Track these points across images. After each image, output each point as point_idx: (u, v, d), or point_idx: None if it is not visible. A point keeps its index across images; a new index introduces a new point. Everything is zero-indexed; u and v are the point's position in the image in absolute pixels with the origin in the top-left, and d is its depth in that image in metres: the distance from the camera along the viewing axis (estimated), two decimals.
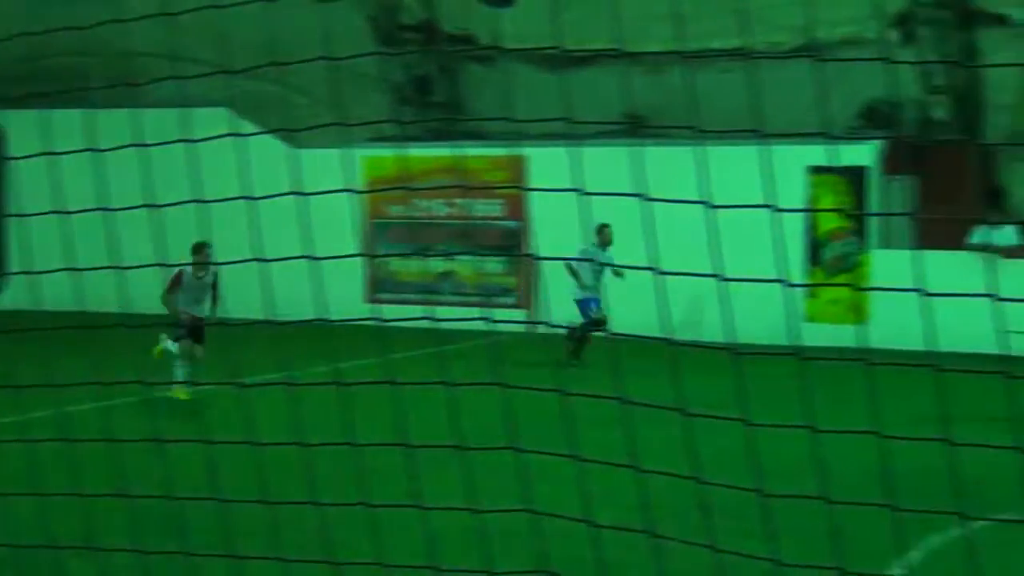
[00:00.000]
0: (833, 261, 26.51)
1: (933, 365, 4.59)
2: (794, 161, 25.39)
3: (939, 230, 25.77)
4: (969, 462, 7.03)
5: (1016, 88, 27.20)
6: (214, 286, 19.45)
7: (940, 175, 26.34)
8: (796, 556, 6.17)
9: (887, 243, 26.22)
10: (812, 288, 26.17)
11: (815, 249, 26.75)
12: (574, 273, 23.27)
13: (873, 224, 26.44)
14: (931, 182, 26.63)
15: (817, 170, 26.23)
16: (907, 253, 24.79)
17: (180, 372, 19.28)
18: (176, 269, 19.17)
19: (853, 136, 26.68)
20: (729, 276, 5.28)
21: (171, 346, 19.50)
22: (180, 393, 19.10)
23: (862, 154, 26.46)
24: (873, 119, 28.19)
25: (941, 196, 26.22)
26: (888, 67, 26.76)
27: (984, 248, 24.37)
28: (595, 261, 22.76)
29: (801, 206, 25.41)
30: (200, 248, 19.27)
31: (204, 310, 19.46)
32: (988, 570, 9.57)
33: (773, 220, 5.09)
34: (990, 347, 18.90)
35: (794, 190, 25.59)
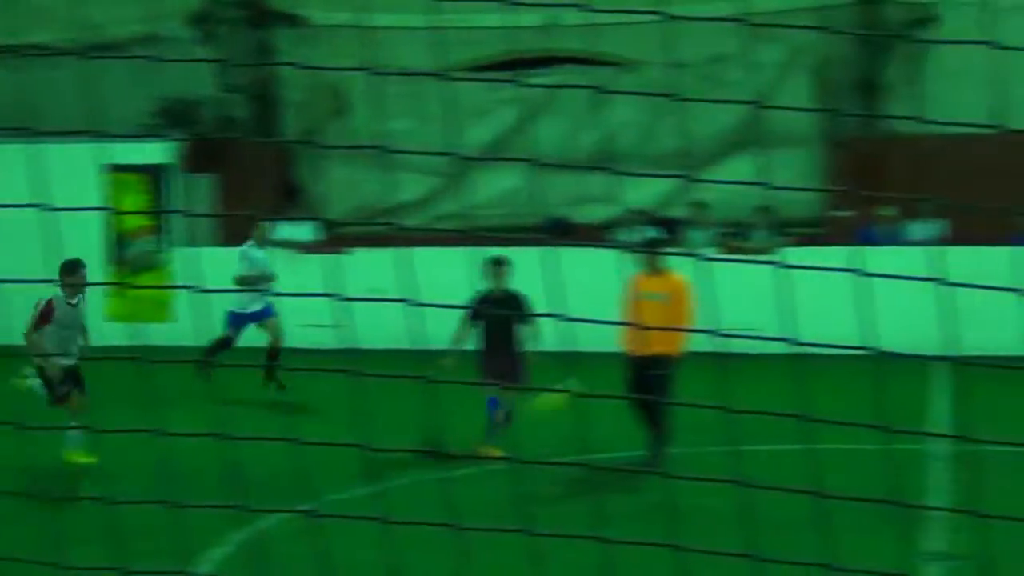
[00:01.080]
0: (135, 259, 26.30)
1: (198, 360, 4.62)
2: (90, 159, 24.91)
3: (242, 227, 26.15)
4: (251, 459, 7.16)
5: (306, 86, 28.04)
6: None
7: (241, 172, 26.74)
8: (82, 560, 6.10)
9: (191, 240, 26.31)
10: (116, 287, 25.85)
11: (118, 248, 26.44)
12: (241, 280, 20.03)
13: (176, 222, 26.45)
14: (232, 179, 26.98)
15: (114, 168, 25.88)
16: (210, 250, 25.02)
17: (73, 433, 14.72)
18: (44, 299, 14.62)
19: (149, 135, 26.61)
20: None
21: (38, 386, 14.86)
22: (80, 456, 14.75)
23: (160, 152, 26.36)
24: (170, 117, 28.21)
25: (242, 193, 26.63)
26: (186, 65, 26.83)
27: (283, 244, 24.91)
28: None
29: (98, 205, 25.00)
30: (75, 267, 14.77)
31: (75, 348, 14.99)
32: (282, 559, 9.91)
33: (48, 220, 5.00)
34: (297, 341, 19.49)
35: (91, 188, 25.10)
